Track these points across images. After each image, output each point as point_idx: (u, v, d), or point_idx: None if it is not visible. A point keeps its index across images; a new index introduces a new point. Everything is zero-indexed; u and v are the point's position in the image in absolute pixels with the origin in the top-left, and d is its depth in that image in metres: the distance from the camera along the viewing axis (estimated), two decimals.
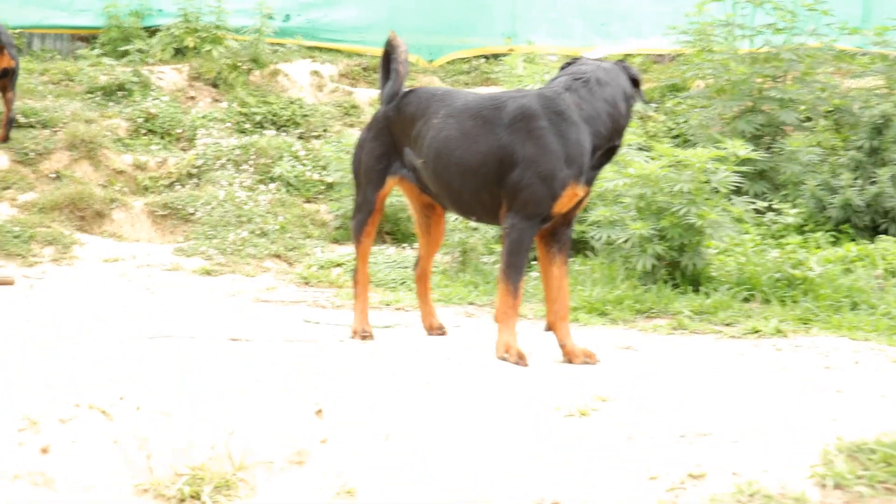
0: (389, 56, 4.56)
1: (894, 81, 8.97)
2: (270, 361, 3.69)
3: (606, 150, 4.07)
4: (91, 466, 2.99)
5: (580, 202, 4.08)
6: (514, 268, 4.01)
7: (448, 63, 12.28)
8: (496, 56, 12.23)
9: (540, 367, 3.89)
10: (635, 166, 6.45)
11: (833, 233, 7.79)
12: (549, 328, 4.21)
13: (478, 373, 3.63)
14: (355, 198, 4.62)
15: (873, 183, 7.86)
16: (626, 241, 6.30)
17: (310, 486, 3.05)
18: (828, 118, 9.46)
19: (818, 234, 7.67)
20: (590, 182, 4.06)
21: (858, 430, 2.85)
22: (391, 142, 4.43)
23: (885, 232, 7.64)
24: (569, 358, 4.09)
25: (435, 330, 4.73)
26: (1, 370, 3.43)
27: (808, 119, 9.26)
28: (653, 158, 6.61)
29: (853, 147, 8.26)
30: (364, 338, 4.44)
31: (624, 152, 7.04)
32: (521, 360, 3.90)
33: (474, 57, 12.29)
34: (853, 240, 7.62)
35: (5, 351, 3.78)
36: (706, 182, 6.30)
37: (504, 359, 3.93)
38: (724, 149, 6.44)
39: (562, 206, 3.99)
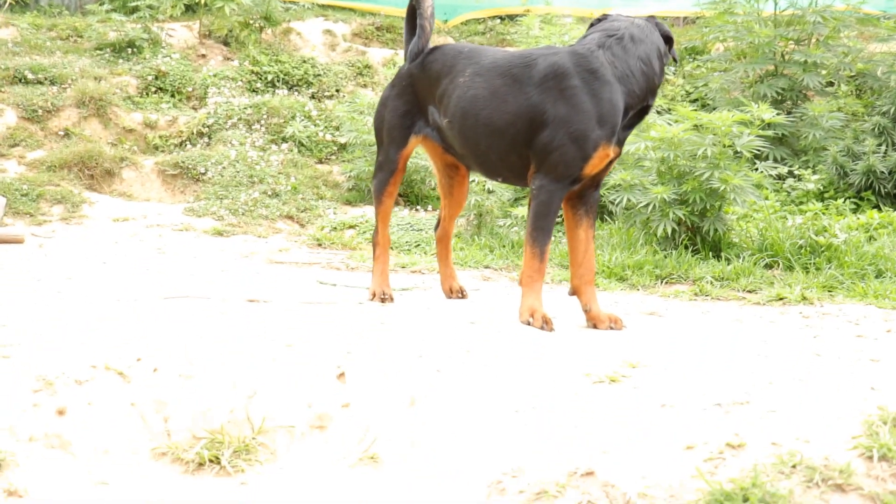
0: (415, 11, 4.43)
1: None
2: (289, 324, 3.60)
3: (639, 110, 3.95)
4: (108, 429, 2.91)
5: (610, 163, 3.96)
6: (541, 230, 3.91)
7: (463, 23, 12.10)
8: (512, 17, 12.05)
9: (565, 331, 3.80)
10: (657, 129, 6.32)
11: (854, 200, 7.67)
12: (574, 292, 4.11)
13: (502, 337, 3.54)
14: (377, 157, 4.51)
15: None
16: (646, 206, 6.19)
17: (332, 452, 2.97)
18: (850, 83, 9.29)
19: (839, 201, 7.55)
20: (621, 142, 3.94)
21: None
22: (415, 100, 4.32)
23: None
24: (594, 323, 3.99)
25: (455, 293, 4.63)
26: (14, 330, 3.35)
27: (831, 84, 9.10)
28: (675, 121, 6.48)
29: (877, 113, 8.11)
30: (384, 300, 4.35)
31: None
32: (546, 324, 3.81)
33: (489, 18, 12.11)
34: (876, 206, 7.50)
35: (19, 310, 3.70)
36: (730, 146, 6.18)
37: (528, 323, 3.84)
38: (749, 112, 6.32)
39: (593, 167, 3.87)
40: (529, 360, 3.25)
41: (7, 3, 10.54)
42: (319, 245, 6.98)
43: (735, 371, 3.14)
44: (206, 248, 6.49)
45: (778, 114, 6.59)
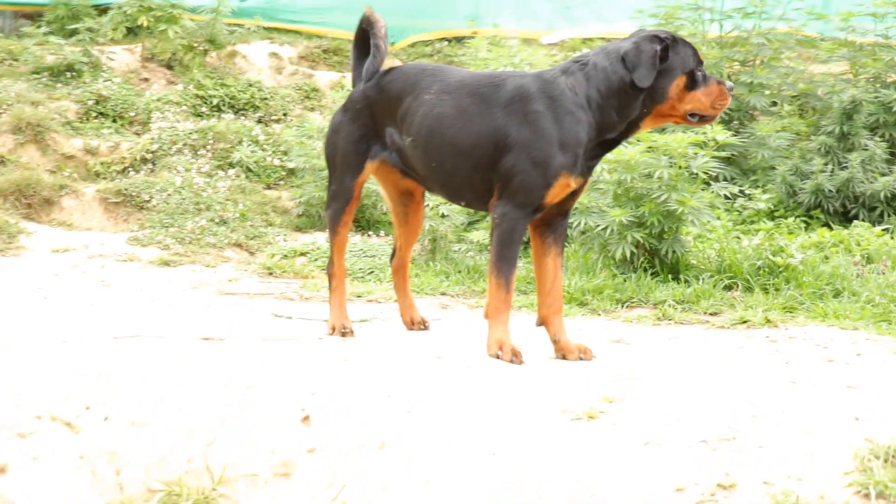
0: (367, 33, 4.31)
1: (859, 67, 8.89)
2: (247, 363, 3.43)
3: (604, 142, 3.86)
4: (55, 486, 2.72)
5: (576, 193, 3.87)
6: (505, 260, 3.80)
7: (410, 46, 12.01)
8: (459, 39, 11.99)
9: (535, 364, 3.68)
10: (613, 151, 6.25)
11: (804, 218, 7.69)
12: (541, 323, 4.00)
13: (473, 373, 3.41)
14: (329, 185, 4.35)
15: (844, 168, 7.77)
16: (604, 229, 6.12)
17: (298, 501, 2.81)
18: (792, 103, 9.37)
19: (789, 220, 7.57)
20: (586, 173, 3.85)
21: (886, 431, 2.68)
22: (371, 123, 4.18)
23: (856, 217, 7.55)
24: (562, 353, 3.89)
25: (417, 325, 4.50)
26: None
27: (774, 104, 9.16)
28: (630, 143, 6.42)
29: (823, 132, 8.16)
30: (344, 334, 4.19)
31: None
32: (515, 357, 3.69)
33: (437, 40, 12.03)
34: (826, 225, 7.53)
35: None
36: (685, 167, 6.14)
37: (497, 356, 3.71)
38: (702, 133, 6.29)
39: (554, 195, 3.77)
40: (503, 398, 3.13)
41: None
42: (270, 274, 6.79)
43: (715, 403, 3.04)
44: (152, 280, 6.28)
45: (733, 135, 6.57)
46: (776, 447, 2.60)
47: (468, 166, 3.85)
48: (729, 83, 3.88)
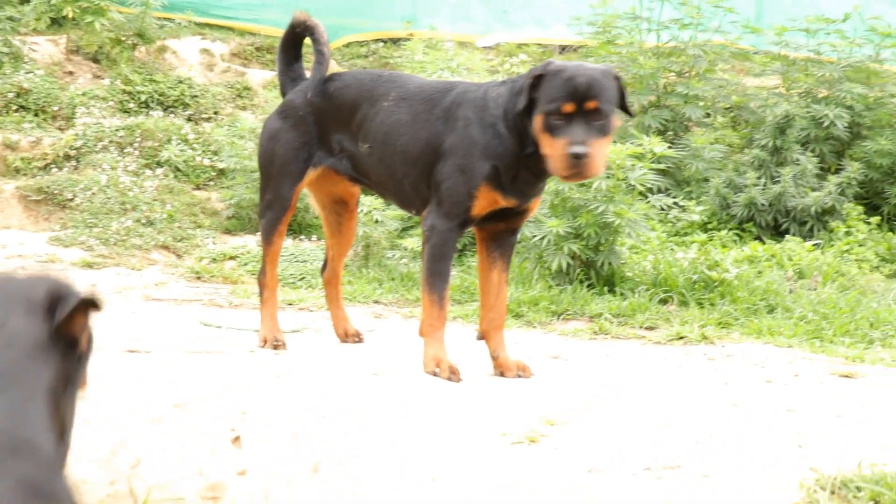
0: (297, 36, 4.21)
1: (791, 81, 9.02)
2: (175, 379, 3.29)
3: (532, 167, 3.61)
4: None
5: (521, 213, 3.77)
6: (437, 276, 3.71)
7: (345, 46, 11.86)
8: (395, 41, 11.88)
9: (474, 382, 3.59)
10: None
11: (737, 231, 7.75)
12: (482, 337, 3.92)
13: (410, 391, 3.31)
14: (263, 194, 4.22)
15: (776, 182, 7.85)
16: (541, 239, 6.07)
17: None
18: (725, 115, 9.47)
19: (722, 233, 7.62)
20: (520, 196, 3.69)
21: (829, 459, 2.66)
22: (314, 131, 4.06)
23: (787, 231, 7.64)
24: (501, 370, 3.81)
25: (351, 337, 4.39)
26: None
27: (708, 115, 9.24)
28: None
29: (756, 146, 8.24)
30: (276, 346, 4.06)
31: None
32: (453, 375, 3.60)
33: (372, 41, 11.90)
34: (758, 238, 7.60)
35: None
36: (623, 179, 6.12)
37: (435, 374, 3.62)
38: (640, 145, 6.28)
39: (480, 207, 3.65)
40: (442, 419, 3.04)
41: None
42: (199, 278, 6.61)
43: (657, 428, 2.99)
44: (77, 283, 6.05)
45: (670, 147, 6.57)
46: (721, 476, 2.55)
47: (415, 174, 3.76)
48: (578, 148, 3.32)
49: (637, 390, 3.53)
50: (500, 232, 3.82)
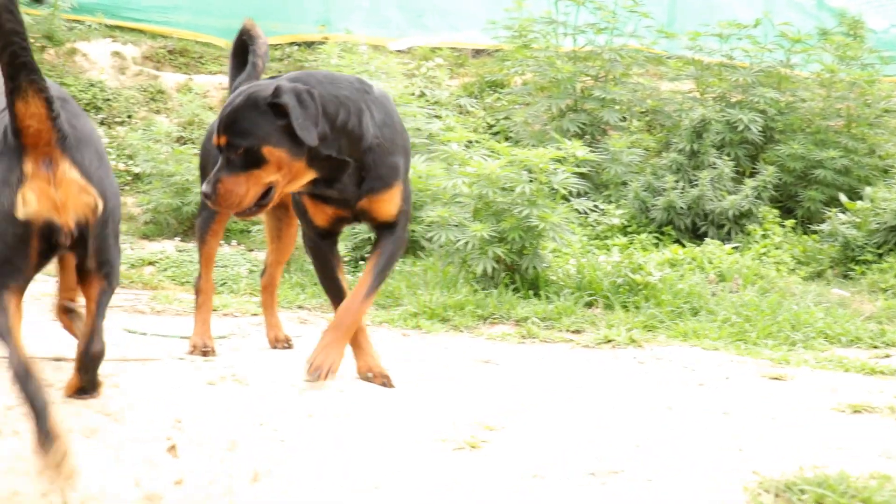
0: (245, 44, 4.15)
1: (706, 86, 9.20)
2: (106, 387, 3.19)
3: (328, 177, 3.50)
4: None
5: (372, 219, 3.59)
6: (322, 285, 3.77)
7: None
8: (310, 44, 11.79)
9: (408, 388, 3.58)
10: (474, 164, 6.24)
11: (656, 234, 7.88)
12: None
13: (346, 397, 3.28)
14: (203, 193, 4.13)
15: (694, 185, 8.00)
16: (465, 244, 6.07)
17: None
18: (641, 119, 9.62)
19: (642, 236, 7.74)
20: (346, 202, 3.52)
21: (769, 461, 2.71)
22: None
23: (705, 234, 7.79)
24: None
25: (281, 342, 4.33)
26: None
27: (624, 119, 9.38)
28: (491, 157, 6.41)
29: (674, 150, 8.39)
30: (205, 353, 3.99)
31: (456, 149, 6.82)
32: (387, 380, 3.57)
33: (287, 44, 11.80)
34: (677, 241, 7.73)
35: None
36: (546, 183, 6.17)
37: (368, 379, 3.59)
38: (561, 148, 6.33)
39: (313, 216, 3.60)
40: (381, 425, 3.01)
41: None
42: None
43: (597, 432, 3.01)
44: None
45: (592, 151, 6.65)
46: (665, 481, 2.58)
47: None
48: (204, 187, 3.28)
49: (572, 394, 3.56)
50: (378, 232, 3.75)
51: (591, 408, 3.33)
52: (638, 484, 2.55)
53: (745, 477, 2.55)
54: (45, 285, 6.25)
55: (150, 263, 7.02)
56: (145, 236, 7.71)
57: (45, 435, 2.69)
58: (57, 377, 3.33)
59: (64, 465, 2.69)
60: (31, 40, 8.65)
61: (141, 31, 11.16)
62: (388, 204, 3.57)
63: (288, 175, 3.28)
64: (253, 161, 3.23)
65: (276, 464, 2.81)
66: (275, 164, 3.24)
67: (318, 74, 3.42)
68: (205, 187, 3.28)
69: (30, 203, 2.92)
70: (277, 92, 3.19)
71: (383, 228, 3.66)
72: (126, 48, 10.63)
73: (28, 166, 2.94)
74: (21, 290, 3.07)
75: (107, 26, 10.84)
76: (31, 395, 2.77)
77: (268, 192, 3.27)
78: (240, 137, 3.23)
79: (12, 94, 2.87)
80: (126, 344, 4.25)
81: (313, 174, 3.34)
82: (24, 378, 2.79)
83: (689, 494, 2.48)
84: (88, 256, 3.03)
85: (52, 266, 6.49)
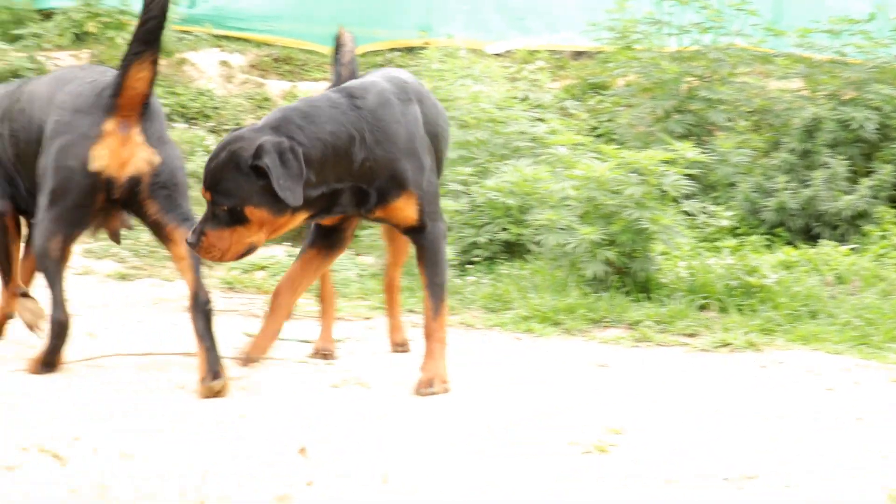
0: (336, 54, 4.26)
1: (816, 84, 8.97)
2: (237, 389, 3.28)
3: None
4: None
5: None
6: None
7: (361, 56, 11.86)
8: (410, 49, 11.88)
9: (530, 391, 3.58)
10: (583, 168, 6.21)
11: (767, 236, 7.71)
12: None
13: (468, 399, 3.30)
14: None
15: (806, 186, 7.82)
16: (575, 247, 6.04)
17: None
18: (748, 119, 9.44)
19: (753, 238, 7.58)
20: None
21: None
22: None
23: (818, 236, 7.60)
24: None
25: (399, 346, 4.38)
26: None
27: (730, 119, 9.21)
28: (599, 160, 6.37)
29: (784, 149, 8.21)
30: (326, 356, 4.06)
31: (564, 152, 6.80)
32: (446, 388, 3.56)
33: (388, 50, 11.90)
34: (789, 243, 7.55)
35: None
36: (656, 185, 6.09)
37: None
38: (671, 150, 6.25)
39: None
40: (507, 428, 3.02)
41: None
42: (231, 288, 6.60)
43: (726, 436, 2.97)
44: (112, 295, 6.05)
45: (702, 152, 6.55)
46: (804, 486, 2.53)
47: None
48: (189, 237, 3.39)
49: (695, 397, 3.51)
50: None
51: (716, 411, 3.28)
52: (775, 489, 2.51)
53: (891, 485, 2.48)
54: (163, 290, 6.44)
55: (262, 268, 7.15)
56: None
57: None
58: (185, 377, 3.42)
59: None
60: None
61: (246, 40, 11.38)
62: (402, 212, 3.56)
63: (272, 229, 3.34)
64: (236, 219, 3.26)
65: (405, 465, 2.84)
66: (257, 223, 3.27)
67: (297, 114, 3.34)
68: (190, 237, 3.34)
69: (101, 158, 3.48)
70: (258, 153, 3.17)
71: (410, 233, 3.69)
72: (233, 57, 10.86)
73: (108, 125, 3.49)
74: (75, 241, 3.69)
75: (214, 36, 11.09)
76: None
77: (251, 248, 3.34)
78: (223, 196, 3.26)
79: (134, 55, 3.43)
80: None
81: (305, 215, 3.37)
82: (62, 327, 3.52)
83: (828, 501, 2.43)
84: (157, 213, 3.62)
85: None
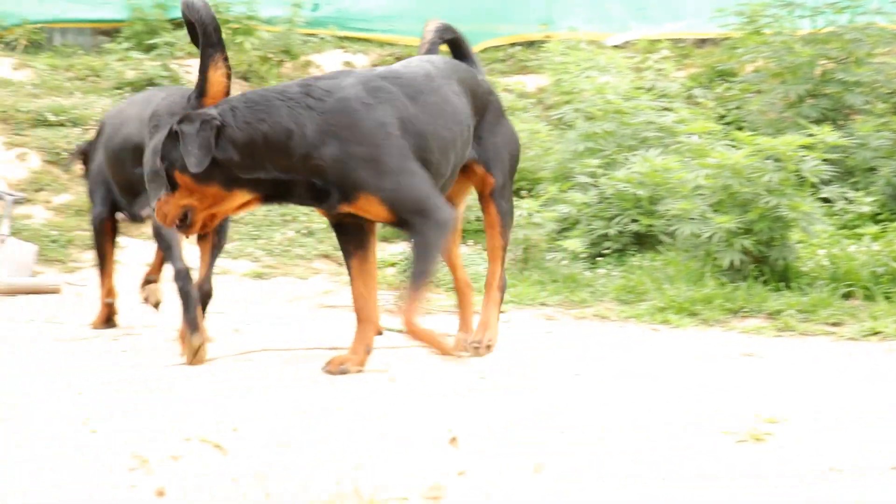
0: (455, 49, 4.32)
1: None
2: (383, 380, 3.33)
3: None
4: None
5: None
6: None
7: (481, 51, 11.87)
8: (531, 43, 11.83)
9: (676, 379, 3.53)
10: (717, 156, 6.08)
11: None
12: None
13: (617, 388, 3.27)
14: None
15: None
16: (710, 236, 5.92)
17: None
18: (887, 101, 9.09)
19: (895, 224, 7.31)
20: None
21: None
22: None
23: None
24: None
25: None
26: (97, 400, 3.08)
27: (867, 102, 8.89)
28: (734, 147, 6.23)
29: None
30: (477, 348, 4.09)
31: (697, 141, 6.68)
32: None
33: (509, 45, 11.89)
34: None
35: (95, 376, 3.42)
36: (794, 171, 5.93)
37: None
38: (810, 135, 6.07)
39: None
40: (659, 414, 2.98)
41: (21, 45, 10.30)
42: None
43: (886, 425, 2.87)
44: (249, 293, 6.22)
45: (841, 137, 6.34)
46: None
47: None
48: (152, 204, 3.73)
49: (850, 386, 3.40)
50: None
51: (875, 399, 3.17)
52: None
53: None
54: (298, 287, 6.58)
55: (391, 265, 7.25)
56: (384, 239, 7.95)
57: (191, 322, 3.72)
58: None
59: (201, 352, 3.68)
60: (270, 55, 9.12)
61: (368, 41, 11.54)
62: (369, 211, 3.64)
63: (205, 199, 3.49)
64: (172, 184, 3.51)
65: (558, 456, 2.83)
66: (186, 189, 3.48)
67: (243, 99, 3.56)
68: (152, 203, 3.64)
69: None
70: (181, 120, 3.46)
71: (394, 227, 3.82)
72: (356, 58, 11.02)
73: None
74: None
75: (337, 38, 11.27)
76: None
77: (186, 214, 3.52)
78: (163, 162, 3.52)
79: (208, 58, 3.77)
80: (393, 341, 4.40)
81: (248, 196, 3.53)
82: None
83: None
84: None
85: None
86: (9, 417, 3.02)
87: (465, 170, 4.05)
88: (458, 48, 4.33)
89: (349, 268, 3.90)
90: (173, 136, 3.47)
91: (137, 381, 3.49)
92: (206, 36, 3.80)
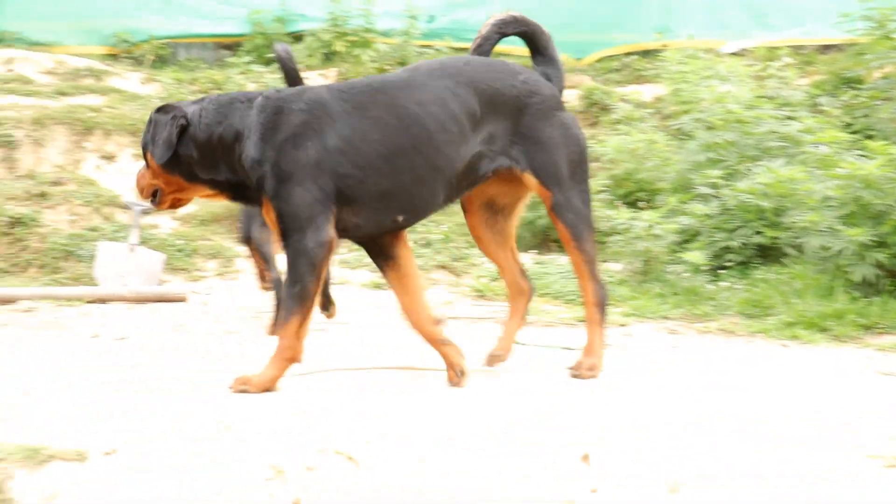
0: (527, 41, 4.42)
1: None
2: (506, 395, 3.31)
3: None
4: None
5: None
6: None
7: (597, 61, 11.78)
8: (646, 52, 11.67)
9: (811, 398, 3.41)
10: (847, 166, 5.89)
11: None
12: None
13: (754, 403, 3.18)
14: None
15: None
16: (841, 249, 5.73)
17: None
18: None
19: None
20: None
21: None
22: None
23: None
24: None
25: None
26: (241, 412, 3.13)
27: None
28: (866, 157, 6.03)
29: None
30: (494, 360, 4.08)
31: (826, 151, 6.48)
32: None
33: (624, 54, 11.75)
34: None
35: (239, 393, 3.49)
36: None
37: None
38: None
39: None
40: (807, 440, 2.88)
41: (149, 60, 10.64)
42: (482, 297, 6.70)
43: None
44: (373, 304, 6.27)
45: None
46: None
47: None
48: None
49: None
50: None
51: None
52: None
53: None
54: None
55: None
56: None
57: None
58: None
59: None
60: (387, 67, 9.25)
61: None
62: (268, 214, 3.66)
63: (170, 185, 3.73)
64: (146, 162, 3.76)
65: (694, 476, 2.76)
66: (154, 169, 3.72)
67: (214, 101, 3.69)
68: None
69: None
70: (158, 109, 3.70)
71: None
72: None
73: None
74: None
75: (453, 49, 11.31)
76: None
77: (156, 192, 3.77)
78: (143, 145, 3.78)
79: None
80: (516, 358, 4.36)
81: (205, 190, 3.73)
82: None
83: None
84: None
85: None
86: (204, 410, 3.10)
87: (507, 177, 3.92)
88: (533, 42, 4.24)
89: (389, 282, 3.88)
90: (149, 121, 3.74)
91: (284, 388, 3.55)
92: (291, 80, 5.13)
